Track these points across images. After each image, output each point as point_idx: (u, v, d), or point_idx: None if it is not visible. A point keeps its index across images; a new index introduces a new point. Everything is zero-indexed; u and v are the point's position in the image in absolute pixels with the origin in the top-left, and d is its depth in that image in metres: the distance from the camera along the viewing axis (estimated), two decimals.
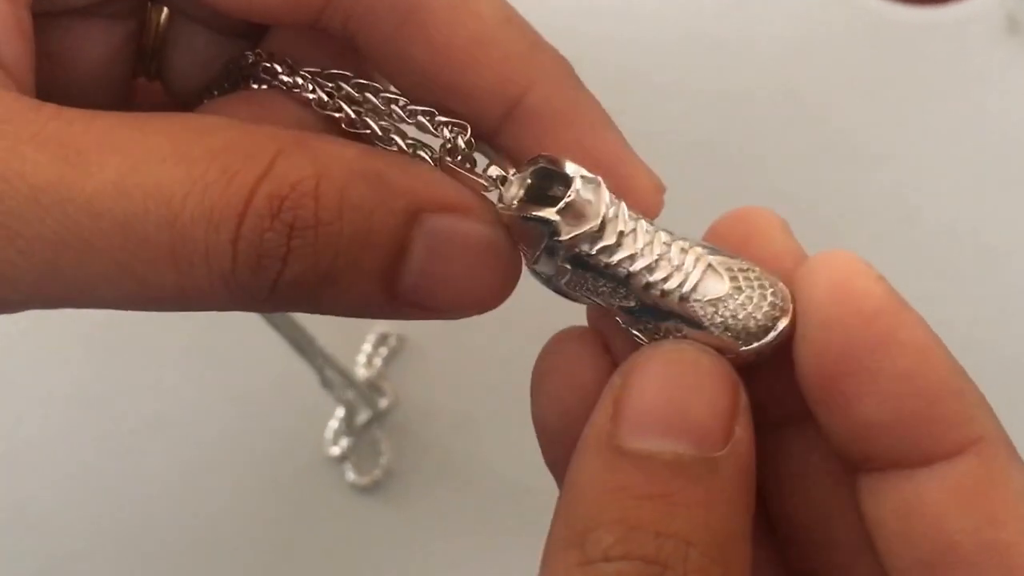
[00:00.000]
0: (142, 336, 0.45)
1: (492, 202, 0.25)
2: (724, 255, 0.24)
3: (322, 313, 0.24)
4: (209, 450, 0.44)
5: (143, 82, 0.30)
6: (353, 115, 0.26)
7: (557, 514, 0.23)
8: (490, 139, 0.27)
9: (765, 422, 0.24)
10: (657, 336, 0.24)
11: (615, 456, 0.22)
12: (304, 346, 0.41)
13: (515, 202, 0.24)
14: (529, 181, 0.24)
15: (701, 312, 0.23)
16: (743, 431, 0.22)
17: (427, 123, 0.26)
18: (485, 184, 0.25)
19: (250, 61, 0.27)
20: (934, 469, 0.22)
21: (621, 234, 0.23)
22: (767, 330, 0.23)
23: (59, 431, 0.44)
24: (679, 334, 0.24)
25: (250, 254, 0.22)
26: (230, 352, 0.45)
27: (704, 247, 0.24)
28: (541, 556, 0.23)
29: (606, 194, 0.24)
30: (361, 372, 0.45)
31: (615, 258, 0.23)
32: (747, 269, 0.24)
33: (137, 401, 0.44)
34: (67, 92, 0.28)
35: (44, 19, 0.27)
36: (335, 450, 0.44)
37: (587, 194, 0.23)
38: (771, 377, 0.24)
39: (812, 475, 0.25)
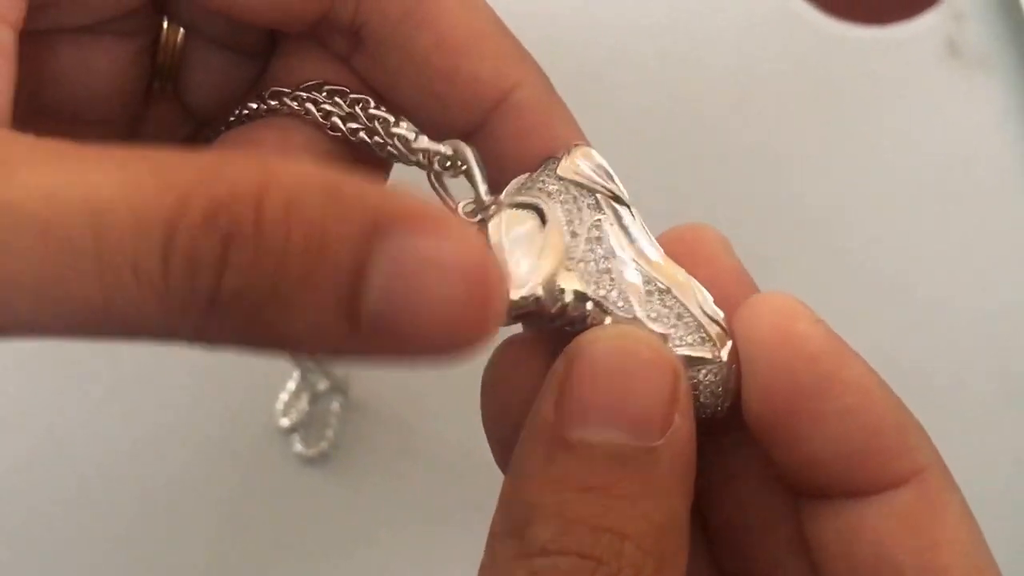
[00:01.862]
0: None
1: (471, 222, 0.25)
2: (664, 298, 0.25)
3: (278, 347, 0.21)
4: (160, 420, 0.44)
5: (156, 100, 0.30)
6: (366, 139, 0.28)
7: (500, 501, 0.23)
8: (474, 132, 0.28)
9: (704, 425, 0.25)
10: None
11: (556, 446, 0.22)
12: None
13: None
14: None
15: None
16: (682, 420, 0.23)
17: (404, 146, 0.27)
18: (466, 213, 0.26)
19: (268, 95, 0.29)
20: (880, 499, 0.23)
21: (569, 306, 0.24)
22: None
23: (9, 399, 0.44)
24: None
25: (182, 264, 0.20)
26: None
27: (651, 284, 0.25)
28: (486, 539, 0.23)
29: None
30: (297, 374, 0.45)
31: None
32: (681, 317, 0.24)
33: (91, 370, 0.44)
34: (75, 108, 0.28)
35: (50, 36, 0.27)
36: (285, 421, 0.45)
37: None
38: None
39: (746, 479, 0.26)
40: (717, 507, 0.27)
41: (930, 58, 0.49)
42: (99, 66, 0.28)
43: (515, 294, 0.24)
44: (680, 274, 0.25)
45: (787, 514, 0.25)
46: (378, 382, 0.45)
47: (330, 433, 0.45)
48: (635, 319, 0.24)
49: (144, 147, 0.21)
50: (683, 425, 0.23)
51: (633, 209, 0.25)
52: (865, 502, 0.23)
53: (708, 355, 0.24)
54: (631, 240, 0.25)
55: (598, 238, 0.25)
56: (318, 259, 0.20)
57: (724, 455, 0.26)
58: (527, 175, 0.27)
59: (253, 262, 0.20)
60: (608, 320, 0.24)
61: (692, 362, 0.24)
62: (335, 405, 0.45)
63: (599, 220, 0.25)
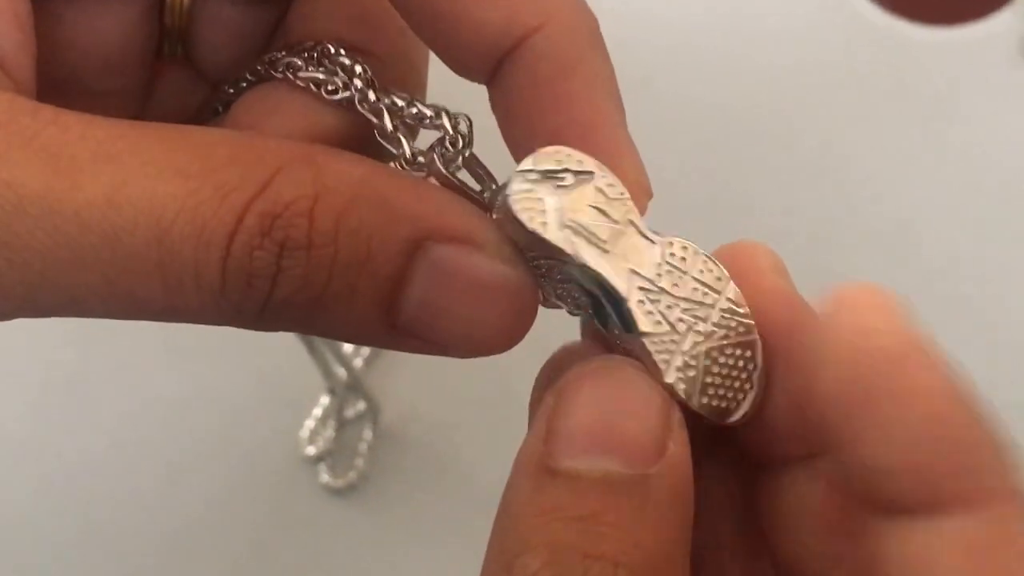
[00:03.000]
0: (121, 331, 0.44)
1: (507, 237, 0.23)
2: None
3: (319, 335, 0.24)
4: (185, 448, 0.43)
5: (167, 65, 0.30)
6: (369, 96, 0.26)
7: (491, 537, 0.22)
8: (486, 82, 0.26)
9: (764, 462, 0.24)
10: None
11: (546, 477, 0.22)
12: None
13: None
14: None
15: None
16: (677, 447, 0.22)
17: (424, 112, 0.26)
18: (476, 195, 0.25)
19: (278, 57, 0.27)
20: (943, 521, 0.21)
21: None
22: (730, 411, 0.23)
23: (35, 428, 0.43)
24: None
25: (239, 273, 0.22)
26: (210, 347, 0.44)
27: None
28: None
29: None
30: (340, 373, 0.44)
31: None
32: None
33: (116, 396, 0.44)
34: (84, 78, 0.28)
35: (54, 3, 0.27)
36: (311, 450, 0.43)
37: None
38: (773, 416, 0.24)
39: (809, 517, 0.24)
40: (782, 548, 0.25)
41: (1002, 60, 0.47)
42: (106, 31, 0.28)
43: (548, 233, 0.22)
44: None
45: (852, 551, 0.23)
46: (409, 409, 0.44)
47: (360, 462, 0.44)
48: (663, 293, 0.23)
49: (198, 137, 0.23)
50: (677, 452, 0.22)
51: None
52: (930, 525, 0.21)
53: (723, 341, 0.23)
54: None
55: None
56: (362, 270, 0.22)
57: (785, 492, 0.25)
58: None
59: (304, 274, 0.22)
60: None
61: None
62: (367, 433, 0.44)
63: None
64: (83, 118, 0.22)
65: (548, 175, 0.23)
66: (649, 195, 0.25)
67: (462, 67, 0.26)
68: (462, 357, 0.24)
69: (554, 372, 0.25)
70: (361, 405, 0.44)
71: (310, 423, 0.44)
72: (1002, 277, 0.44)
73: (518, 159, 0.25)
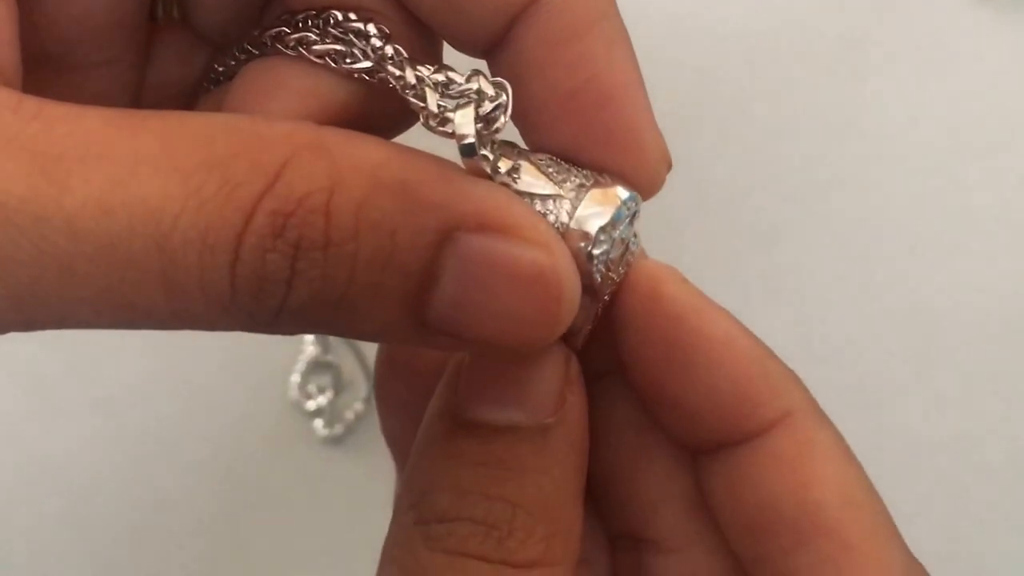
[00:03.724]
0: None
1: (546, 220, 0.22)
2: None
3: (341, 336, 0.24)
4: (175, 404, 0.44)
5: (162, 30, 0.27)
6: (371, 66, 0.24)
7: (405, 474, 0.24)
8: (498, 47, 0.24)
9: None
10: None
11: (455, 425, 0.24)
12: None
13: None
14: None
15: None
16: (574, 397, 0.24)
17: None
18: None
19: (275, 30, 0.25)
20: (752, 444, 0.25)
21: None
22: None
23: (34, 388, 0.44)
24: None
25: (250, 279, 0.20)
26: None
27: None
28: None
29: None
30: (310, 351, 0.45)
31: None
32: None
33: (109, 359, 0.44)
34: (76, 52, 0.26)
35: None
36: (311, 404, 0.45)
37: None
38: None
39: (638, 441, 0.27)
40: (612, 471, 0.27)
41: (959, 5, 0.47)
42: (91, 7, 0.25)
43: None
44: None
45: (679, 474, 0.27)
46: None
47: (352, 413, 0.45)
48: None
49: (196, 126, 0.20)
50: (575, 403, 0.24)
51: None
52: (743, 450, 0.25)
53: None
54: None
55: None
56: (386, 269, 0.20)
57: (615, 416, 0.27)
58: None
59: (322, 275, 0.20)
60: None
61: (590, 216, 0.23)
62: (361, 386, 0.45)
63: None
64: (71, 111, 0.20)
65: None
66: (669, 164, 0.24)
67: (467, 35, 0.24)
68: (498, 355, 0.23)
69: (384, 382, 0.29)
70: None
71: (296, 378, 0.45)
72: (963, 214, 0.45)
73: (528, 133, 0.24)
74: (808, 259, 0.44)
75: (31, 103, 0.20)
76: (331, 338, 0.46)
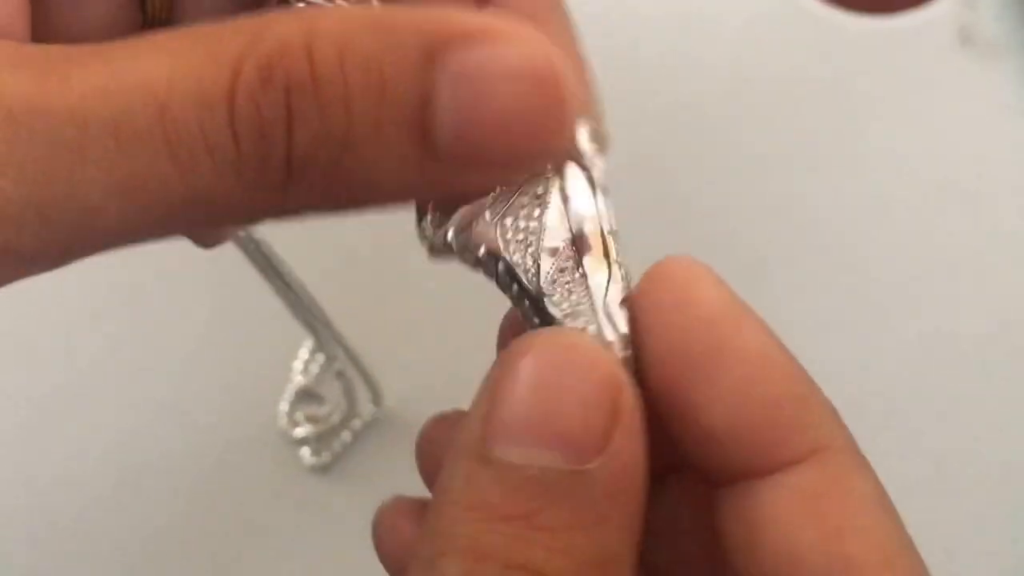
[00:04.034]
0: (108, 325, 0.45)
1: (526, 23, 0.21)
2: (573, 284, 0.22)
3: (362, 201, 0.21)
4: (168, 433, 0.44)
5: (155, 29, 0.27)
6: None
7: (422, 526, 0.21)
8: None
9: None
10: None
11: (480, 466, 0.20)
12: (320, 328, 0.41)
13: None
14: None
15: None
16: (624, 439, 0.20)
17: None
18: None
19: None
20: (778, 479, 0.21)
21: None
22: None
23: (25, 414, 0.44)
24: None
25: (250, 128, 0.20)
26: (191, 320, 0.45)
27: (569, 263, 0.23)
28: None
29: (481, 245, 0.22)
30: (298, 380, 0.45)
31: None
32: (579, 306, 0.22)
33: (96, 375, 0.45)
34: None
35: None
36: (299, 432, 0.45)
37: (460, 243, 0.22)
38: None
39: (679, 529, 0.24)
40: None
41: (942, 47, 0.48)
42: (91, 17, 0.27)
43: (437, 235, 0.23)
44: (607, 261, 0.23)
45: (694, 512, 0.24)
46: (410, 389, 0.45)
47: (340, 441, 0.45)
48: (538, 295, 0.22)
49: (180, 28, 0.21)
50: (625, 446, 0.20)
51: (595, 178, 0.23)
52: (767, 485, 0.21)
53: None
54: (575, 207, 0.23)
55: (541, 198, 0.23)
56: (382, 97, 0.20)
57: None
58: None
59: (318, 112, 0.20)
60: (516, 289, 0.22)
61: None
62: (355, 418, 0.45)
63: (551, 182, 0.23)
64: (54, 45, 0.21)
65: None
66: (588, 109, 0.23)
67: None
68: (515, 170, 0.22)
69: (514, 325, 0.24)
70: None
71: (283, 406, 0.45)
72: (937, 257, 0.45)
73: None
74: (794, 295, 0.44)
75: (31, 46, 0.22)
76: (318, 366, 0.46)
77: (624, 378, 0.21)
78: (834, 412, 0.22)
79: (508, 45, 0.20)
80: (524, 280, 0.22)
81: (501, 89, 0.20)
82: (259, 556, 0.44)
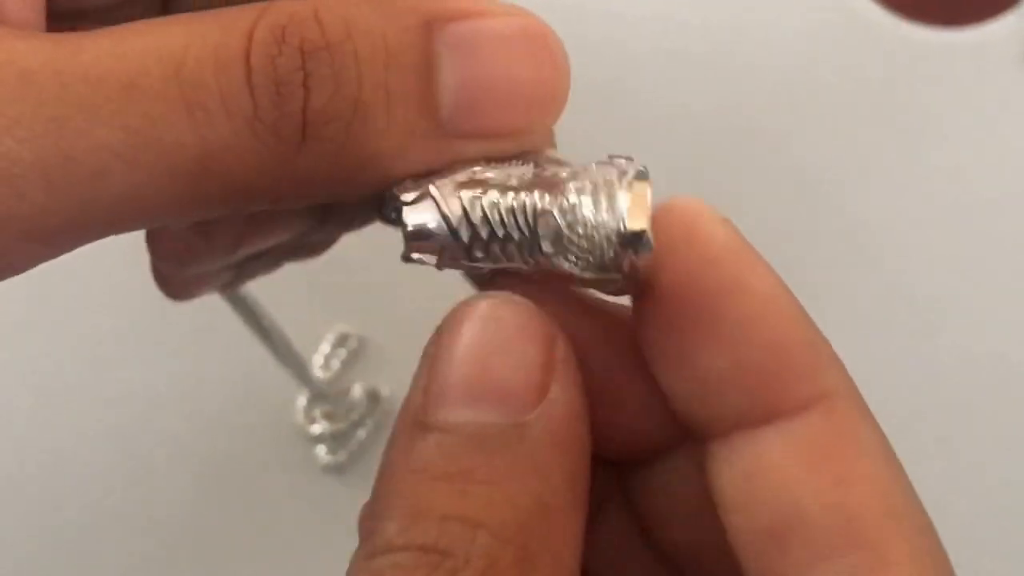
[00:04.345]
0: (123, 318, 0.45)
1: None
2: (564, 178, 0.22)
3: (366, 171, 0.22)
4: (179, 430, 0.44)
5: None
6: None
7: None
8: None
9: (630, 460, 0.23)
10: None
11: (419, 432, 0.20)
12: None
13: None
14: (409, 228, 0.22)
15: (564, 264, 0.22)
16: (561, 390, 0.20)
17: None
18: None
19: None
20: (778, 427, 0.20)
21: (473, 224, 0.22)
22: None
23: (37, 410, 0.44)
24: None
25: (267, 85, 0.21)
26: (206, 329, 0.45)
27: (539, 190, 0.22)
28: None
29: (440, 199, 0.22)
30: (318, 374, 0.45)
31: (490, 251, 0.22)
32: (578, 180, 0.22)
33: (105, 385, 0.44)
34: None
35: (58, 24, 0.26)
36: (316, 428, 0.44)
37: (417, 218, 0.22)
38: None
39: (682, 504, 0.24)
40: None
41: (1007, 63, 0.46)
42: None
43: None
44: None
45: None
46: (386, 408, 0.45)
47: (356, 440, 0.44)
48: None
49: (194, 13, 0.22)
50: (562, 396, 0.20)
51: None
52: (765, 434, 0.20)
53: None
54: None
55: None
56: (388, 65, 0.21)
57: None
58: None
59: (332, 73, 0.21)
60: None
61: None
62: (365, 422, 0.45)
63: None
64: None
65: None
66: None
67: None
68: (518, 136, 0.22)
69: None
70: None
71: (301, 401, 0.44)
72: (999, 276, 0.44)
73: None
74: (844, 309, 0.43)
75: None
76: (338, 362, 0.45)
77: (557, 331, 0.21)
78: (839, 360, 0.21)
79: (501, 16, 0.22)
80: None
81: (499, 53, 0.22)
82: (272, 555, 0.43)
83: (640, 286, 0.21)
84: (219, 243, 0.27)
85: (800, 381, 0.20)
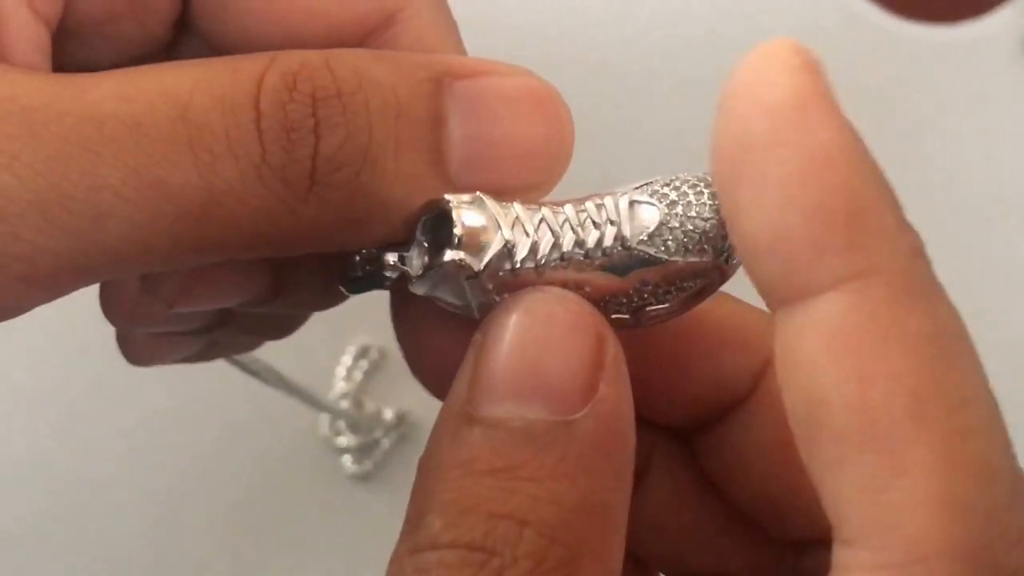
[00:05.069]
0: None
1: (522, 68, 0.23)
2: (645, 183, 0.22)
3: (374, 220, 0.21)
4: (205, 444, 0.44)
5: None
6: None
7: (412, 489, 0.21)
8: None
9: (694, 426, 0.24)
10: (634, 304, 0.22)
11: (465, 426, 0.20)
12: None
13: (422, 271, 0.22)
14: (426, 244, 0.22)
15: (652, 249, 0.21)
16: (609, 389, 0.20)
17: None
18: (390, 275, 0.22)
19: None
20: (807, 307, 0.17)
21: (529, 232, 0.22)
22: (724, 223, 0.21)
23: (64, 434, 0.44)
24: (650, 287, 0.22)
25: (277, 130, 0.20)
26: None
27: (620, 190, 0.22)
28: None
29: (492, 205, 0.21)
30: (340, 386, 0.45)
31: (540, 255, 0.21)
32: (671, 181, 0.22)
33: (142, 392, 0.45)
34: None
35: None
36: (342, 440, 0.45)
37: (472, 219, 0.21)
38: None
39: (752, 459, 0.24)
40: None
41: (1003, 58, 0.47)
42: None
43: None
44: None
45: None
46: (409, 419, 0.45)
47: (380, 450, 0.45)
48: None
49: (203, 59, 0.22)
50: (611, 395, 0.20)
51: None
52: (799, 314, 0.18)
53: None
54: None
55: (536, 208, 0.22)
56: (398, 115, 0.21)
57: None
58: None
59: (344, 121, 0.21)
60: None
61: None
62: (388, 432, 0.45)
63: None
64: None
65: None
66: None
67: None
68: (528, 189, 0.22)
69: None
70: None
71: (325, 414, 0.45)
72: (997, 273, 0.44)
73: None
74: None
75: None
76: (360, 373, 0.46)
77: (607, 330, 0.21)
78: (897, 234, 0.18)
79: (509, 76, 0.22)
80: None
81: (507, 112, 0.22)
82: (299, 565, 0.43)
83: (727, 274, 0.22)
84: (161, 298, 0.25)
85: (835, 255, 0.17)
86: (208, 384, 0.45)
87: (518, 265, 0.21)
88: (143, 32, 0.25)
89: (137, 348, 0.29)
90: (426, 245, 0.22)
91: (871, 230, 0.17)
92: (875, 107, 0.46)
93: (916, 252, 0.18)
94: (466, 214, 0.21)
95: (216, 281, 0.25)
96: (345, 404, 0.45)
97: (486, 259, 0.21)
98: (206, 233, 0.20)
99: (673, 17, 0.48)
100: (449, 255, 0.21)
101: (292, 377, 0.41)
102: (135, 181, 0.20)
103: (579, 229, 0.22)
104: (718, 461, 0.25)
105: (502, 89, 0.22)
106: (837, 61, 0.48)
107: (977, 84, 0.47)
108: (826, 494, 0.18)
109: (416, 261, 0.22)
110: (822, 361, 0.17)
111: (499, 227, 0.21)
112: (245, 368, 0.37)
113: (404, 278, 0.22)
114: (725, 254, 0.22)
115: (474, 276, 0.21)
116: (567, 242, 0.21)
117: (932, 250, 0.18)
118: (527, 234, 0.21)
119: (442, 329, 0.23)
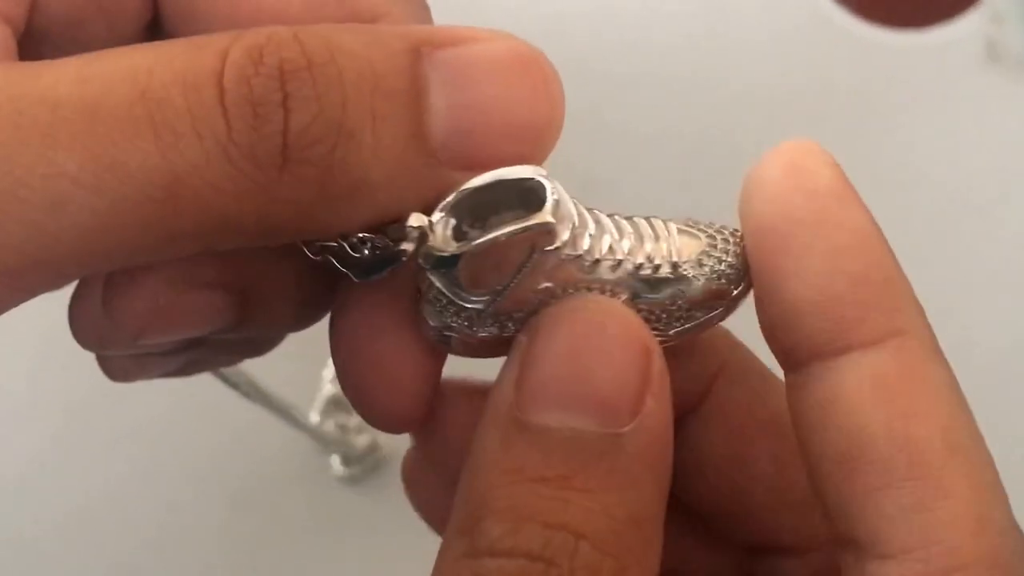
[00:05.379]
0: None
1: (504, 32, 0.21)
2: (672, 219, 0.23)
3: (354, 199, 0.20)
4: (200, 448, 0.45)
5: None
6: None
7: (459, 487, 0.21)
8: None
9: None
10: (662, 320, 0.22)
11: (514, 430, 0.20)
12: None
13: (452, 243, 0.21)
14: (453, 221, 0.21)
15: (693, 271, 0.22)
16: (655, 403, 0.21)
17: None
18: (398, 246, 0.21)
19: None
20: (852, 359, 0.21)
21: (591, 225, 0.21)
22: (746, 268, 0.22)
23: (62, 439, 0.45)
24: (675, 307, 0.22)
25: (242, 106, 0.19)
26: None
27: (653, 216, 0.23)
28: None
29: (560, 186, 0.21)
30: (328, 388, 0.46)
31: (601, 251, 0.21)
32: (700, 222, 0.23)
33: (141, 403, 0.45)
34: None
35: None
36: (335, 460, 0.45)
37: (562, 192, 0.21)
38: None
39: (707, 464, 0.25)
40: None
41: (970, 63, 0.47)
42: None
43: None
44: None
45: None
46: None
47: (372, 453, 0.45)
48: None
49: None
50: (656, 409, 0.21)
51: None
52: (841, 364, 0.21)
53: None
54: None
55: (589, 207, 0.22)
56: (374, 88, 0.20)
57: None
58: None
59: (315, 94, 0.19)
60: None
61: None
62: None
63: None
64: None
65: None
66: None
67: None
68: (513, 159, 0.21)
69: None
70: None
71: (315, 416, 0.45)
72: (962, 273, 0.45)
73: None
74: None
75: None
76: None
77: (654, 344, 0.21)
78: (915, 301, 0.21)
79: (491, 40, 0.21)
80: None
81: (491, 78, 0.20)
82: (289, 566, 0.44)
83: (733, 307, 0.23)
84: (126, 329, 0.24)
85: (877, 315, 0.21)
86: (204, 391, 0.43)
87: (582, 253, 0.21)
88: (113, 35, 0.24)
89: (114, 366, 0.28)
90: (454, 221, 0.21)
91: (902, 295, 0.21)
92: (843, 111, 0.47)
93: (924, 314, 0.21)
94: (558, 185, 0.21)
95: (181, 311, 0.24)
96: (329, 419, 0.45)
97: (566, 235, 0.21)
98: (175, 219, 0.19)
99: (645, 19, 0.48)
100: (539, 217, 0.20)
101: (280, 374, 0.42)
102: (92, 165, 0.18)
103: (634, 237, 0.22)
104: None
105: (485, 55, 0.21)
106: (807, 65, 0.50)
107: (944, 89, 0.47)
108: (864, 517, 0.20)
109: (441, 232, 0.21)
110: (869, 403, 0.20)
111: (575, 210, 0.21)
112: (228, 382, 0.38)
113: (419, 255, 0.21)
114: (741, 289, 0.23)
115: (551, 249, 0.21)
116: (624, 246, 0.21)
117: (898, 251, 0.20)
118: (593, 225, 0.21)
119: (384, 344, 0.23)
